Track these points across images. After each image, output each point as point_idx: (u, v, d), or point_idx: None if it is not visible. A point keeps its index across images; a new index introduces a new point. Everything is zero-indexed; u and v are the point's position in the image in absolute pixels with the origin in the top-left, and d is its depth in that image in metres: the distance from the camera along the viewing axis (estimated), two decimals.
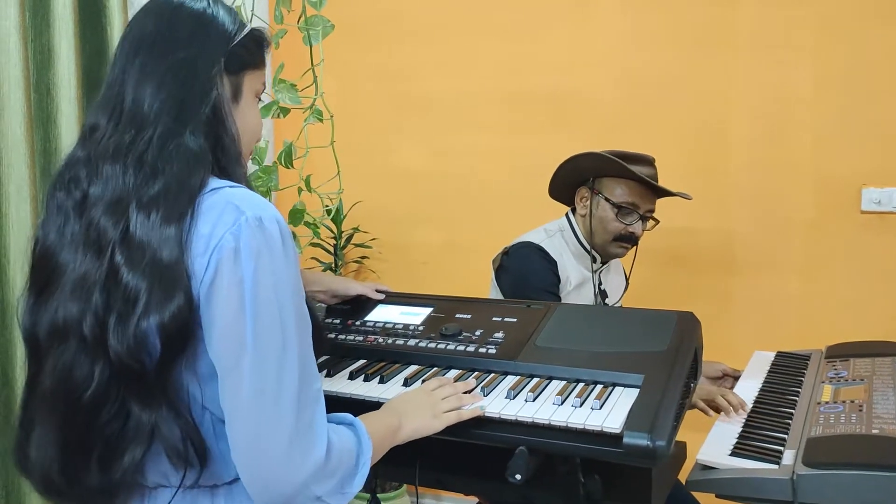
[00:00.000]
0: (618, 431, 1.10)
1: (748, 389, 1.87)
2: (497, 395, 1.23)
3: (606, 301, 2.12)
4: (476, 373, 1.32)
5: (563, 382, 1.26)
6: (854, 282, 2.43)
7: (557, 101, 2.73)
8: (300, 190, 1.74)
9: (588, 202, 2.04)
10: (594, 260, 2.09)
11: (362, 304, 1.59)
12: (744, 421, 1.68)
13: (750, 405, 1.76)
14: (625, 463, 1.12)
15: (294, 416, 0.94)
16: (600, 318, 1.43)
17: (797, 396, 1.78)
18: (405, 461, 1.33)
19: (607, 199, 2.01)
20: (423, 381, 1.29)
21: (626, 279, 2.27)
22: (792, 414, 1.68)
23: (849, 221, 2.44)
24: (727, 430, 1.64)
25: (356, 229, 2.94)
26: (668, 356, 1.25)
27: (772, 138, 2.51)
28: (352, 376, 1.33)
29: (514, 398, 1.22)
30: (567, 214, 2.12)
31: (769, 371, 2.00)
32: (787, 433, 1.58)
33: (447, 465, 1.43)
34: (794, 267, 2.51)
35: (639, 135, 2.60)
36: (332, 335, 1.49)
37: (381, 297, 1.60)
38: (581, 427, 1.12)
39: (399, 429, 1.14)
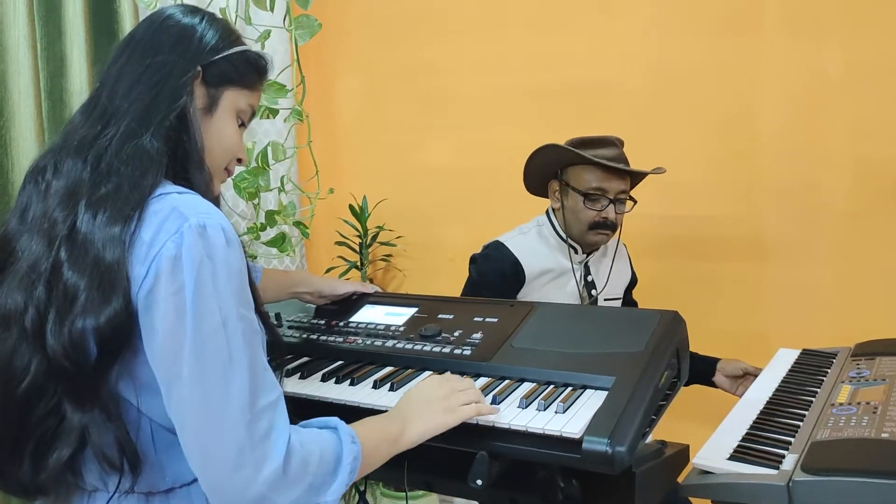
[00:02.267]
0: (577, 436, 1.06)
1: (764, 389, 1.78)
2: None
3: (594, 292, 2.05)
4: (447, 373, 1.29)
5: (533, 385, 1.22)
6: (892, 276, 2.31)
7: (584, 94, 2.67)
8: (280, 190, 1.74)
9: (559, 194, 2.02)
10: (575, 251, 2.04)
11: (350, 305, 1.58)
12: (750, 423, 1.61)
13: (762, 406, 1.68)
14: (586, 469, 1.08)
15: (245, 428, 0.92)
16: (581, 319, 1.38)
17: (813, 397, 1.69)
18: (395, 462, 1.31)
19: (575, 189, 1.97)
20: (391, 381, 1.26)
21: (633, 273, 2.22)
22: (803, 416, 1.60)
23: (886, 212, 2.30)
24: (732, 432, 1.57)
25: (381, 227, 2.93)
26: (643, 357, 1.20)
27: (803, 125, 2.39)
28: (324, 378, 1.32)
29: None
30: (548, 209, 2.10)
31: (790, 370, 1.90)
32: (793, 436, 1.50)
33: (435, 468, 1.41)
34: (828, 260, 2.40)
35: (667, 125, 2.52)
36: (315, 336, 1.48)
37: (373, 289, 1.59)
38: (540, 432, 1.09)
39: (401, 435, 1.10)
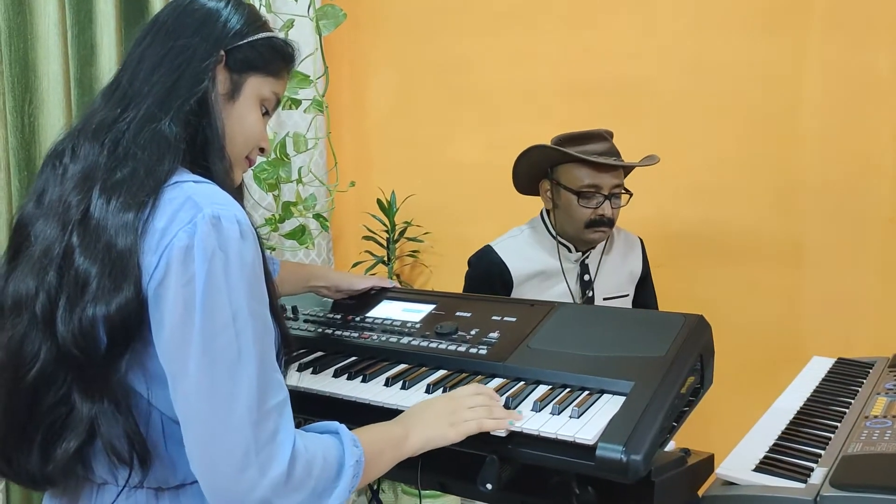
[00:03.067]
0: (591, 443, 1.02)
1: (795, 398, 1.72)
2: None
3: (589, 292, 1.98)
4: (464, 374, 1.26)
5: (549, 387, 1.18)
6: None
7: (618, 91, 2.61)
8: (298, 182, 1.72)
9: (551, 194, 1.96)
10: (569, 251, 1.99)
11: (368, 300, 1.55)
12: (779, 433, 1.55)
13: (792, 415, 1.62)
14: (599, 476, 1.04)
15: (251, 428, 0.89)
16: (603, 320, 1.33)
17: (846, 409, 1.62)
18: (410, 462, 1.28)
19: (567, 188, 1.91)
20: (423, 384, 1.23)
21: (644, 268, 2.13)
22: (835, 428, 1.54)
23: None
24: (758, 442, 1.51)
25: (408, 223, 2.91)
26: (664, 363, 1.16)
27: (846, 126, 2.31)
28: (336, 374, 1.30)
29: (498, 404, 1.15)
30: (542, 209, 2.05)
31: (823, 379, 1.83)
32: (823, 449, 1.44)
33: (449, 469, 1.38)
34: (870, 266, 2.31)
35: (703, 125, 2.45)
36: (330, 331, 1.46)
37: (391, 285, 1.56)
38: (553, 436, 1.05)
39: (405, 439, 1.06)
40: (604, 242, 2.02)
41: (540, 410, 1.11)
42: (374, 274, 2.87)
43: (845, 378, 1.81)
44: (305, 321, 1.52)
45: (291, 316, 1.55)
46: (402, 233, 2.90)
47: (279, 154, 1.64)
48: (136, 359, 0.95)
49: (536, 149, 1.93)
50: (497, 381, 1.23)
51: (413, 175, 2.95)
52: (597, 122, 2.59)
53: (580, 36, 2.66)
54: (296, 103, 1.63)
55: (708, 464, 1.46)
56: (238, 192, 1.16)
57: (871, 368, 1.86)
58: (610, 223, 1.92)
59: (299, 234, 1.76)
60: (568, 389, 1.17)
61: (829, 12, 2.29)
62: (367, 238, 2.89)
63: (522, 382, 1.21)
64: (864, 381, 1.78)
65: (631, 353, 1.20)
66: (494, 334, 1.33)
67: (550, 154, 1.92)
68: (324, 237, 2.76)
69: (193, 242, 0.90)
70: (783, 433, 1.55)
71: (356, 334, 1.42)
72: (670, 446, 1.56)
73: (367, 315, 1.48)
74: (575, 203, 1.90)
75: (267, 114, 1.14)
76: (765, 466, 1.39)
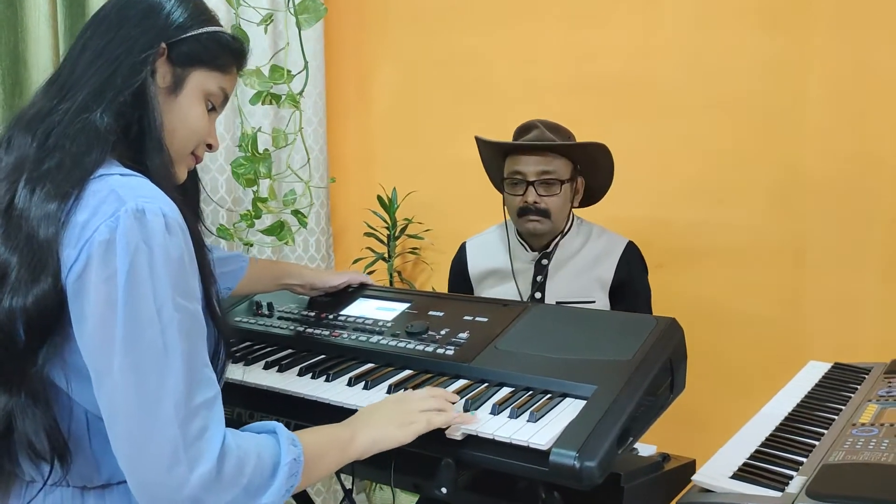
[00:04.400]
0: (544, 448, 1.00)
1: (785, 404, 1.68)
2: None
3: (538, 295, 1.91)
4: (429, 374, 1.24)
5: (511, 390, 1.16)
6: None
7: (622, 88, 2.56)
8: (269, 177, 1.70)
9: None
10: (526, 249, 1.95)
11: (345, 297, 1.54)
12: (762, 440, 1.51)
13: (778, 421, 1.58)
14: (553, 483, 1.01)
15: (178, 426, 0.87)
16: (574, 322, 1.30)
17: (836, 415, 1.58)
18: (382, 463, 1.27)
19: (502, 179, 1.91)
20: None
21: (620, 275, 1.98)
22: (822, 435, 1.49)
23: None
24: (740, 448, 1.47)
25: (409, 220, 2.89)
26: (629, 366, 1.13)
27: (850, 125, 2.25)
28: (301, 373, 1.28)
29: (452, 404, 1.13)
30: None
31: (816, 384, 1.79)
32: (806, 457, 1.40)
33: (424, 471, 1.36)
34: (873, 268, 2.25)
35: (706, 122, 2.40)
36: (302, 328, 1.44)
37: (365, 279, 1.55)
38: (507, 440, 1.02)
39: (351, 440, 1.04)
40: (571, 243, 1.96)
41: (498, 414, 1.08)
42: (373, 271, 2.86)
43: (838, 384, 1.76)
44: (279, 318, 1.51)
45: (266, 313, 1.53)
46: (403, 230, 2.88)
47: (250, 149, 1.63)
48: (55, 352, 0.93)
49: (478, 142, 1.95)
50: (461, 383, 1.20)
51: (416, 172, 2.93)
52: (599, 120, 2.57)
53: (583, 33, 2.62)
54: (276, 98, 1.61)
55: (688, 470, 1.43)
56: (193, 188, 1.15)
57: (867, 374, 1.81)
58: (539, 212, 1.86)
59: (277, 230, 1.75)
60: (530, 392, 1.14)
61: (834, 9, 2.23)
62: (368, 234, 2.87)
63: (486, 384, 1.18)
64: (859, 387, 1.73)
65: (597, 356, 1.17)
66: (464, 334, 1.30)
67: (482, 147, 1.95)
68: (323, 232, 2.75)
69: (115, 237, 0.88)
70: (767, 439, 1.50)
71: (327, 332, 1.40)
72: (651, 451, 1.54)
73: (340, 313, 1.47)
74: (507, 192, 1.90)
75: (214, 109, 1.11)
76: (743, 474, 1.35)
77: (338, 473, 1.32)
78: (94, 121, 0.97)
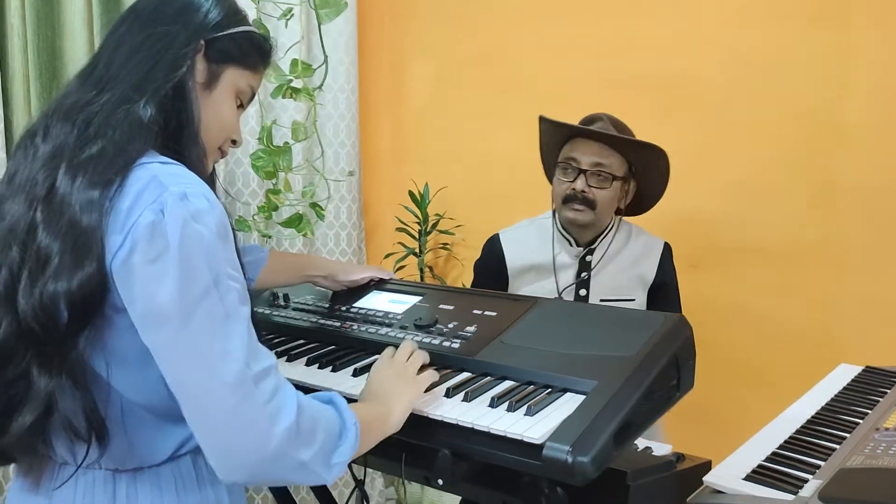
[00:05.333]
0: (538, 442, 0.99)
1: (809, 406, 1.63)
2: (437, 392, 1.15)
3: (583, 292, 1.90)
4: (433, 366, 1.24)
5: (513, 384, 1.15)
6: None
7: (658, 83, 2.52)
8: (286, 170, 1.71)
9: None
10: (570, 244, 1.92)
11: (361, 290, 1.54)
12: (781, 442, 1.47)
13: (800, 423, 1.54)
14: (546, 477, 1.01)
15: (253, 383, 0.89)
16: (581, 318, 1.29)
17: (861, 419, 1.54)
18: (393, 455, 1.28)
19: (556, 163, 1.87)
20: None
21: (660, 275, 1.99)
22: (843, 439, 1.45)
23: None
24: (757, 449, 1.44)
25: (440, 216, 2.89)
26: (632, 363, 1.11)
27: (893, 125, 2.18)
28: (309, 363, 1.30)
29: (451, 397, 1.13)
30: None
31: (844, 387, 1.74)
32: (824, 460, 1.36)
33: (432, 463, 1.36)
34: None
35: (745, 120, 2.35)
36: (315, 319, 1.46)
37: (388, 275, 1.55)
38: (502, 433, 1.02)
39: (389, 414, 1.08)
40: (610, 240, 1.94)
41: (496, 406, 1.08)
42: (403, 266, 2.87)
43: (867, 387, 1.71)
44: (294, 309, 1.52)
45: (283, 304, 1.55)
46: (434, 225, 2.89)
47: (266, 142, 1.65)
48: (96, 336, 0.95)
49: (542, 121, 1.92)
50: (464, 376, 1.20)
51: (448, 167, 2.93)
52: (636, 116, 2.53)
53: (621, 27, 2.58)
54: (296, 92, 1.63)
55: (702, 471, 1.40)
56: (210, 182, 1.17)
57: None
58: (587, 202, 1.84)
59: (296, 222, 1.77)
60: (531, 386, 1.13)
61: (877, 4, 2.16)
62: (399, 229, 2.89)
63: (489, 378, 1.18)
64: (888, 391, 1.68)
65: (601, 351, 1.16)
66: (472, 328, 1.30)
67: (545, 128, 1.93)
68: (354, 227, 2.77)
69: (162, 218, 0.90)
70: (785, 442, 1.47)
71: (338, 324, 1.41)
72: (666, 450, 1.51)
73: (353, 305, 1.48)
74: (556, 176, 1.87)
75: (241, 106, 1.15)
76: (756, 476, 1.32)
77: (350, 464, 1.34)
78: (136, 111, 0.99)
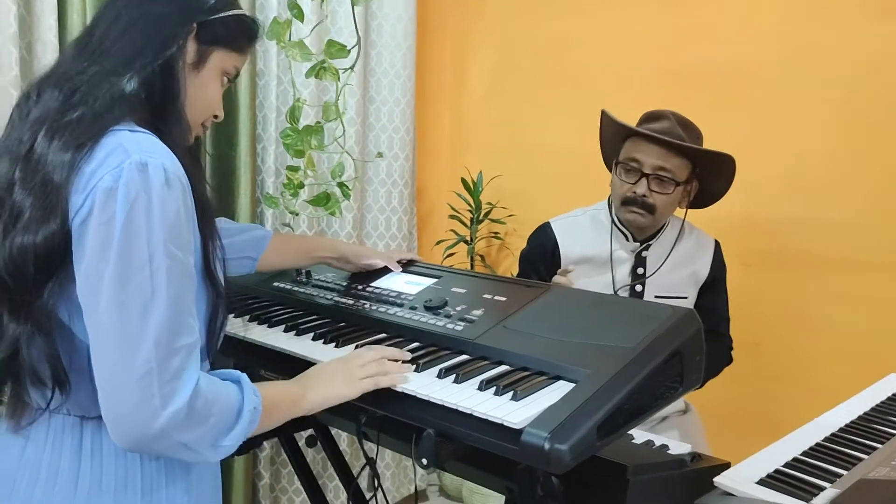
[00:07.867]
0: (517, 427, 0.97)
1: (845, 414, 1.56)
2: (430, 373, 1.15)
3: (638, 287, 1.86)
4: (435, 347, 1.24)
5: (506, 368, 1.14)
6: None
7: (716, 77, 2.44)
8: (311, 149, 1.72)
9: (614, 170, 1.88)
10: (626, 238, 1.87)
11: (380, 270, 1.55)
12: (806, 448, 1.41)
13: (832, 431, 1.47)
14: (524, 462, 0.99)
15: (157, 363, 0.94)
16: (590, 307, 1.25)
17: None
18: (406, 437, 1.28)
19: (617, 161, 1.82)
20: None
21: (713, 273, 1.95)
22: (874, 449, 1.38)
23: None
24: (779, 454, 1.38)
25: (492, 204, 2.87)
26: (628, 354, 1.08)
27: None
28: (315, 338, 1.31)
29: (443, 377, 1.12)
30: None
31: (888, 397, 1.65)
32: (848, 469, 1.30)
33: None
34: None
35: (804, 116, 2.25)
36: (330, 296, 1.47)
37: (397, 269, 1.54)
38: (484, 416, 1.01)
39: (302, 398, 1.12)
40: (668, 236, 1.90)
41: (484, 390, 1.07)
42: (453, 254, 2.87)
43: None
44: (313, 286, 1.54)
45: (304, 280, 1.57)
46: (486, 213, 2.87)
47: (289, 120, 1.67)
48: (60, 288, 1.00)
49: (603, 116, 1.87)
50: (462, 358, 1.19)
51: (503, 156, 2.91)
52: (692, 110, 2.45)
53: (678, 19, 2.51)
54: (334, 74, 1.64)
55: (718, 472, 1.35)
56: (196, 150, 1.21)
57: None
58: (647, 206, 1.79)
59: (324, 200, 1.78)
60: (525, 372, 1.11)
61: None
62: (452, 217, 2.89)
63: (485, 361, 1.17)
64: None
65: (602, 341, 1.13)
66: (478, 311, 1.29)
67: (606, 123, 1.88)
68: (406, 212, 2.78)
69: (117, 185, 0.95)
70: (812, 448, 1.41)
71: (351, 302, 1.42)
72: (684, 449, 1.46)
73: (370, 284, 1.48)
74: (618, 178, 1.82)
75: (228, 83, 1.20)
76: (770, 480, 1.27)
77: (361, 442, 1.35)
78: (120, 84, 1.04)
